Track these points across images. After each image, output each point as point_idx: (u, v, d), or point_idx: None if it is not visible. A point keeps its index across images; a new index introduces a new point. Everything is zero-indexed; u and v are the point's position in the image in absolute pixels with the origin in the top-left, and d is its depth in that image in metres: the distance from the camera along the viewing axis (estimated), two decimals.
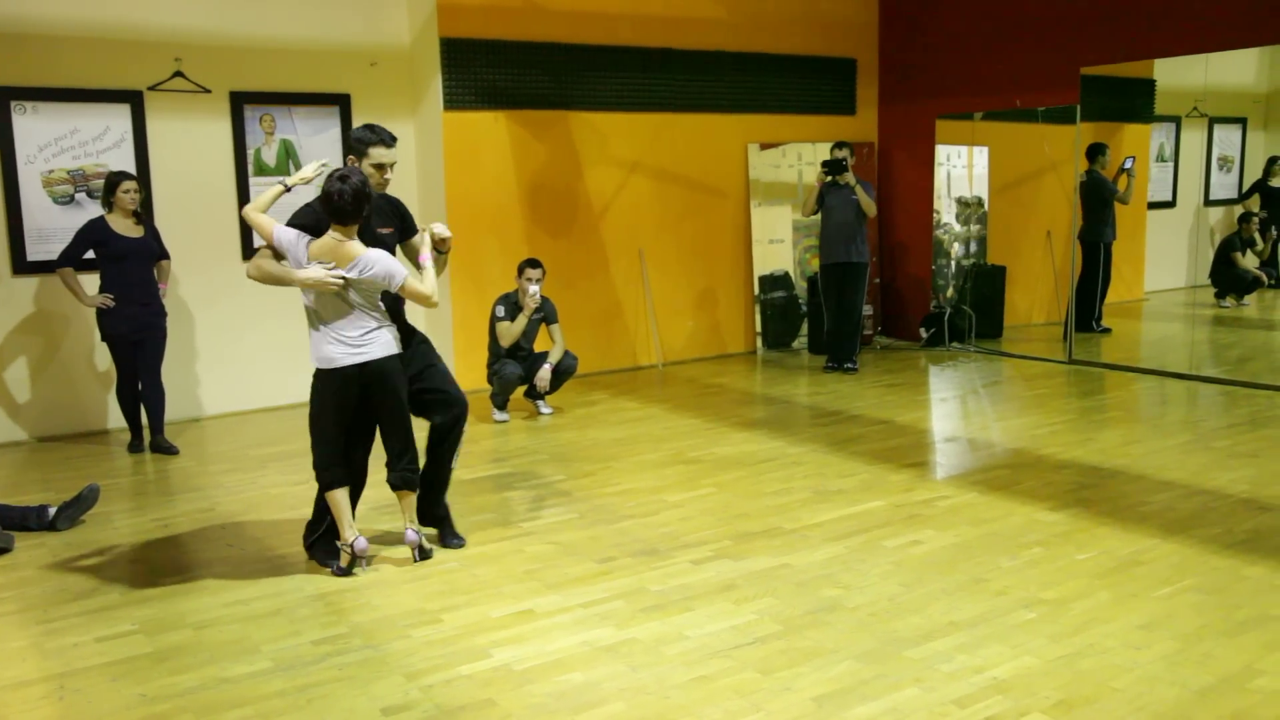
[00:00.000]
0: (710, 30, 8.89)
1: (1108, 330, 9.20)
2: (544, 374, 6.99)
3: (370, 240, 4.32)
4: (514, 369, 6.97)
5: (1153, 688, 3.25)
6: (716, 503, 5.20)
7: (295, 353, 7.71)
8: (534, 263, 6.95)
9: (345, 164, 4.42)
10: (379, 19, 7.79)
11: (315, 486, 5.36)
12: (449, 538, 4.71)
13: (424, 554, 4.51)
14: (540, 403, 7.26)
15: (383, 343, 4.30)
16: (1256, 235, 8.82)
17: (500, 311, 6.98)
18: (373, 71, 7.80)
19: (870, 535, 4.69)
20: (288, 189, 4.54)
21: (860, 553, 4.48)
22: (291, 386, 7.72)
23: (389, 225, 4.53)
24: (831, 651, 3.55)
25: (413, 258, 4.57)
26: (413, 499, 4.51)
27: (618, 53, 8.43)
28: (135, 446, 6.53)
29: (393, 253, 4.40)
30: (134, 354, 6.37)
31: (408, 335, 4.59)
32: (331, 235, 4.20)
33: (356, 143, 4.40)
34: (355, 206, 4.12)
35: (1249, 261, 8.88)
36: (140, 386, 6.45)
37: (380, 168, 4.39)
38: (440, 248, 4.54)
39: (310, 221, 4.32)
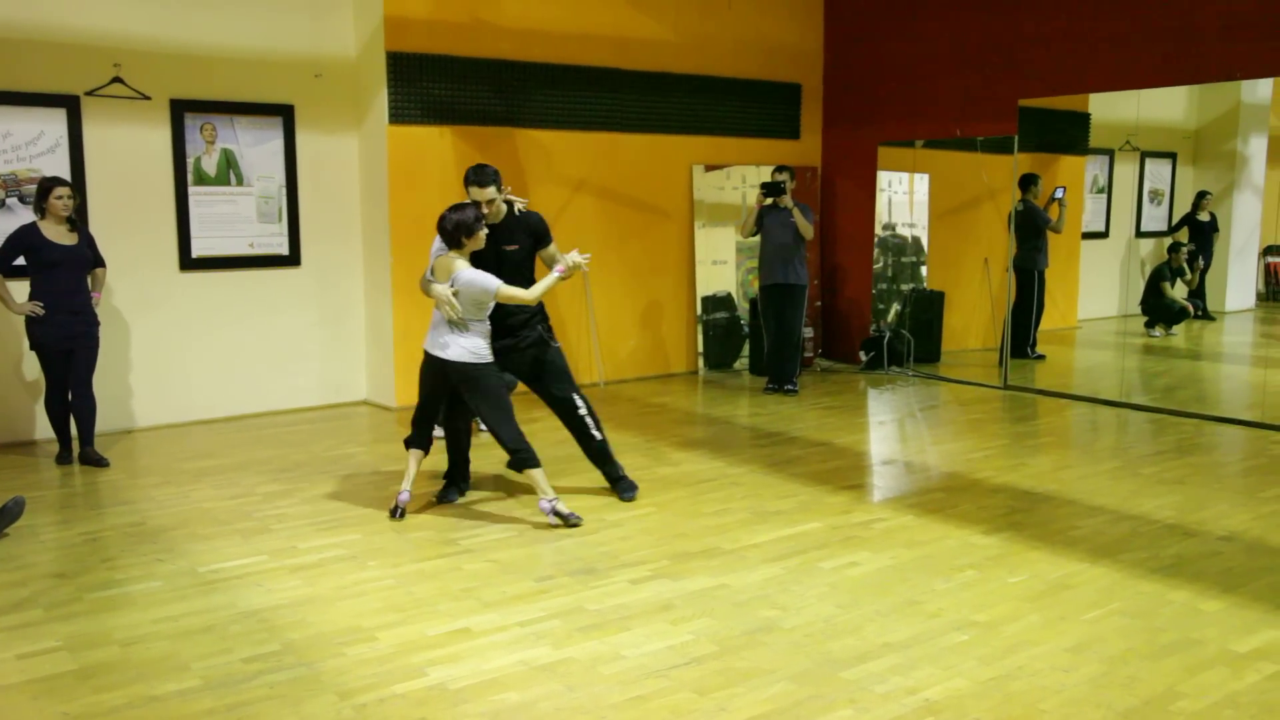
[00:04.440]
0: (658, 51, 8.95)
1: (1042, 357, 9.39)
2: None
3: (494, 257, 5.21)
4: None
5: (1079, 710, 3.31)
6: (655, 522, 5.21)
7: (232, 365, 7.61)
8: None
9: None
10: (325, 30, 7.74)
11: (251, 500, 5.32)
12: (621, 491, 5.58)
13: (561, 518, 5.11)
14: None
15: (458, 348, 5.02)
16: (1185, 265, 9.07)
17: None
18: (317, 83, 7.74)
19: (807, 556, 4.72)
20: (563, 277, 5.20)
21: (797, 574, 4.51)
22: (227, 399, 7.61)
23: (515, 242, 5.28)
24: (767, 672, 3.57)
25: (549, 264, 5.35)
26: (536, 475, 5.11)
27: (566, 71, 8.46)
28: (63, 458, 6.39)
29: (523, 266, 5.34)
30: (64, 363, 6.23)
31: (536, 339, 5.42)
32: (448, 254, 5.05)
33: (464, 180, 5.22)
34: (452, 235, 5.00)
35: (1177, 291, 9.12)
36: (70, 396, 6.31)
37: (478, 204, 5.11)
38: (564, 273, 5.12)
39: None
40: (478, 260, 5.14)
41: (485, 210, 5.11)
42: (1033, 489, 5.81)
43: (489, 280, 4.97)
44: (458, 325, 5.02)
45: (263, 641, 3.82)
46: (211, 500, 5.61)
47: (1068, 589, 4.33)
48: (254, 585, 4.38)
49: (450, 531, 5.09)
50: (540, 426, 7.36)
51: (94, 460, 6.31)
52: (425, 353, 5.16)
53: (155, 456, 6.59)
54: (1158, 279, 9.15)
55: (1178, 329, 9.33)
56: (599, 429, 5.57)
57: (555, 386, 5.49)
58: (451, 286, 4.99)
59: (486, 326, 5.11)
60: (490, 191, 5.13)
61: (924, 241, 9.94)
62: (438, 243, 5.15)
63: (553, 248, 5.43)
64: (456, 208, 5.01)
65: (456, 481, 5.61)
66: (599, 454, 5.61)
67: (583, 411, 5.52)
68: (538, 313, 5.45)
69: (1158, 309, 9.20)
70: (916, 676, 3.54)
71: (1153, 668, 3.61)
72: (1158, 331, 9.30)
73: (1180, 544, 4.89)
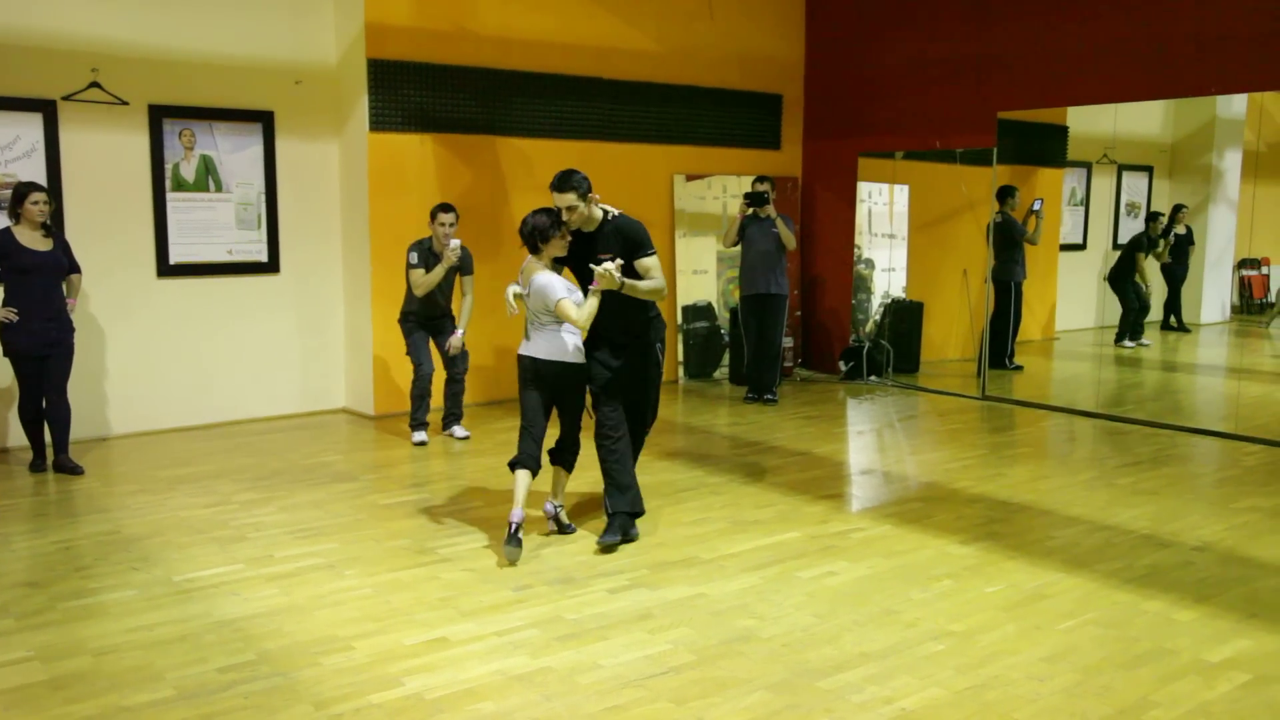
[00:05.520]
0: (640, 61, 8.98)
1: (1019, 368, 9.45)
2: (455, 340, 6.99)
3: (585, 267, 4.96)
4: (428, 366, 6.97)
5: (1054, 719, 3.33)
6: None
7: (209, 372, 7.57)
8: (447, 207, 6.89)
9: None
10: (305, 37, 7.72)
11: (228, 508, 5.29)
12: (602, 533, 5.04)
13: (560, 528, 5.13)
14: (456, 428, 7.22)
15: (547, 346, 4.96)
16: (1160, 237, 9.15)
17: (414, 259, 6.83)
18: (297, 90, 7.72)
19: (785, 566, 4.73)
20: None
21: (775, 583, 4.52)
22: (204, 407, 7.57)
23: (609, 251, 4.97)
24: (745, 681, 3.58)
25: (645, 277, 5.03)
26: (563, 477, 5.14)
27: (547, 80, 8.46)
28: (37, 466, 6.33)
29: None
30: (38, 370, 6.17)
31: (644, 346, 5.17)
32: (531, 259, 5.00)
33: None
34: (528, 239, 4.94)
35: (1149, 266, 9.15)
36: (44, 404, 6.25)
37: (562, 210, 4.92)
38: (596, 287, 4.82)
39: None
40: (577, 270, 5.06)
41: (566, 217, 4.91)
42: (1010, 499, 5.83)
43: (553, 290, 4.88)
44: (546, 325, 4.95)
45: (238, 651, 3.80)
46: (187, 508, 5.57)
47: (1044, 599, 4.36)
48: (230, 594, 4.35)
49: (428, 540, 5.07)
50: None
51: (68, 468, 6.26)
52: (518, 358, 5.08)
53: (131, 464, 6.55)
54: (1135, 248, 9.18)
55: (1150, 339, 9.41)
56: (631, 461, 5.20)
57: (649, 403, 5.27)
58: (526, 290, 4.96)
59: (574, 329, 5.00)
60: (569, 198, 4.87)
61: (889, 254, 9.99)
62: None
63: (649, 260, 5.04)
64: (537, 212, 4.96)
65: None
66: (626, 483, 5.13)
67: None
68: (652, 321, 5.19)
69: (1125, 292, 9.22)
70: (893, 686, 3.55)
71: (1127, 677, 3.63)
72: (1129, 343, 9.37)
73: (1154, 554, 4.93)
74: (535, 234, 4.91)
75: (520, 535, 4.74)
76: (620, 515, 5.05)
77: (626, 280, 4.82)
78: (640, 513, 5.18)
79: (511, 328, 8.38)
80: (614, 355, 5.11)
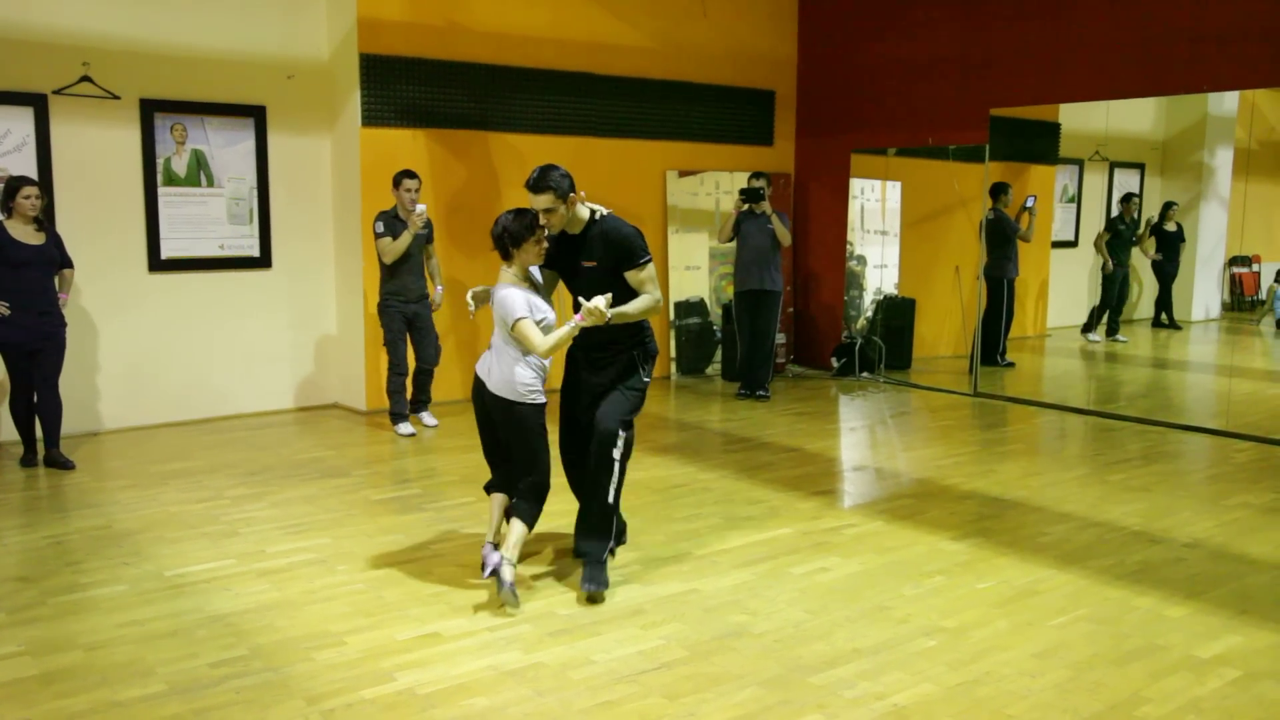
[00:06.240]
0: (633, 57, 8.97)
1: (1011, 364, 9.46)
2: (437, 298, 7.24)
3: (571, 274, 4.44)
4: (404, 368, 7.11)
5: (1046, 715, 3.34)
6: (626, 527, 5.20)
7: (201, 367, 7.55)
8: (411, 173, 6.99)
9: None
10: (297, 31, 7.70)
11: (219, 503, 5.27)
12: (582, 580, 4.34)
13: (501, 583, 4.13)
14: (425, 415, 7.38)
15: (500, 375, 4.29)
16: (1135, 218, 9.17)
17: (380, 228, 6.91)
18: (290, 84, 7.70)
19: (778, 562, 4.74)
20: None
21: (767, 579, 4.52)
22: (196, 401, 7.55)
23: (593, 258, 4.39)
24: (737, 677, 3.58)
25: (638, 290, 4.42)
26: (514, 525, 4.27)
27: (540, 75, 8.45)
28: (28, 460, 6.31)
29: (608, 287, 4.28)
30: (29, 364, 6.15)
31: (630, 363, 4.53)
32: (503, 265, 4.33)
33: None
34: (497, 241, 4.27)
35: (1135, 256, 9.20)
36: (35, 398, 6.23)
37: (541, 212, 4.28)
38: (583, 321, 4.16)
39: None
40: (564, 275, 4.48)
41: (544, 220, 4.26)
42: (1001, 495, 5.85)
43: (514, 306, 4.18)
44: (505, 346, 4.28)
45: (230, 646, 3.79)
46: (179, 503, 5.56)
47: (1035, 595, 4.37)
48: (221, 589, 4.35)
49: (420, 535, 5.06)
50: None
51: (59, 463, 6.24)
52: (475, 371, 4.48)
53: (122, 459, 6.53)
54: (1110, 228, 9.21)
55: (1125, 336, 9.43)
56: (617, 491, 4.44)
57: (602, 411, 4.44)
58: (490, 301, 4.35)
59: (537, 359, 4.30)
60: (546, 199, 4.22)
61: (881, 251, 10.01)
62: None
63: (643, 273, 4.40)
64: (512, 212, 4.27)
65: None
66: (598, 517, 4.46)
67: (617, 455, 4.43)
68: (640, 331, 4.57)
69: (1107, 285, 9.25)
70: (885, 682, 3.56)
71: (1118, 673, 3.64)
72: (1093, 335, 9.38)
73: (1145, 551, 4.94)
74: (505, 238, 4.23)
75: (504, 575, 4.12)
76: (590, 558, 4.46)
77: (615, 311, 4.20)
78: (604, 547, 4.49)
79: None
80: (593, 372, 4.53)
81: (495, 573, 4.24)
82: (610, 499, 4.41)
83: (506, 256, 4.28)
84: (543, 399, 4.34)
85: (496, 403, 4.30)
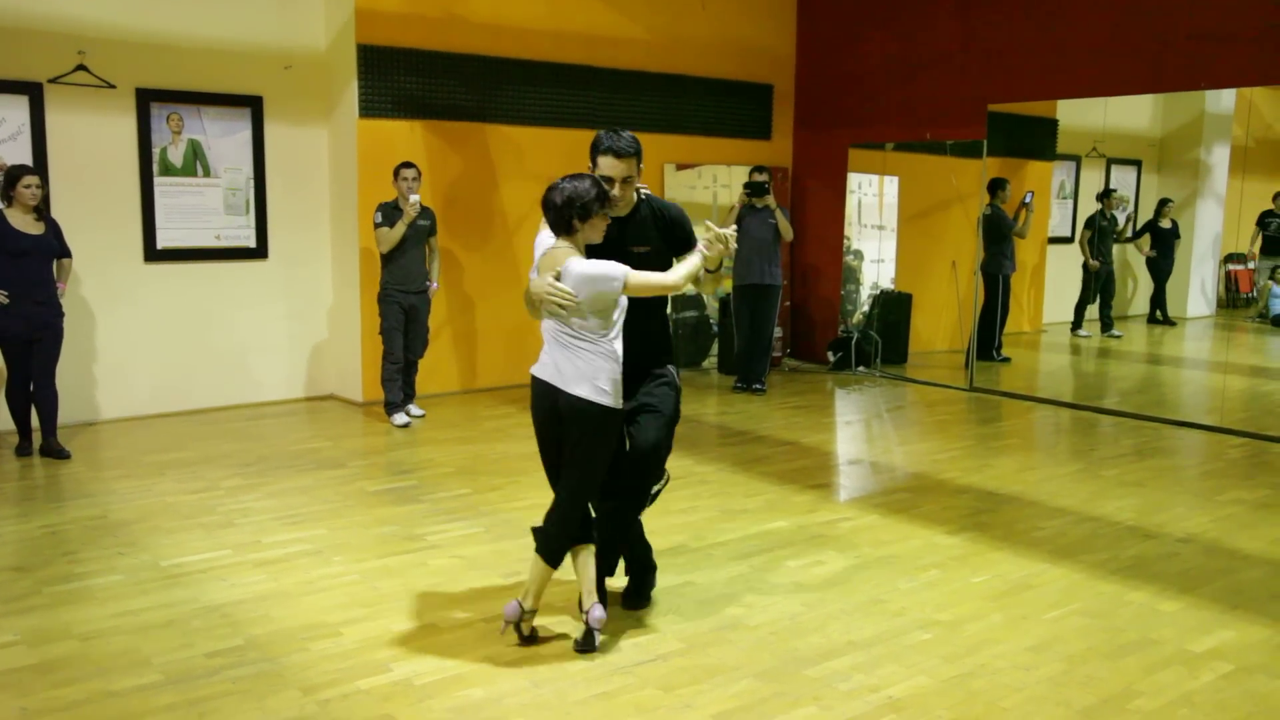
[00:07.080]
0: (631, 50, 8.95)
1: (1007, 359, 9.48)
2: (431, 291, 7.33)
3: (622, 259, 3.65)
4: (398, 356, 7.15)
5: (1039, 708, 3.35)
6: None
7: (197, 357, 7.54)
8: (409, 164, 7.09)
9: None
10: (294, 21, 7.68)
11: (215, 494, 5.23)
12: (582, 639, 3.73)
13: (522, 636, 3.73)
14: (411, 405, 7.41)
15: (575, 370, 3.59)
16: (1116, 214, 9.20)
17: (379, 218, 7.03)
18: (287, 75, 7.68)
19: (773, 555, 4.75)
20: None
21: (763, 572, 4.53)
22: (192, 392, 7.54)
23: (647, 242, 3.83)
24: (733, 669, 3.59)
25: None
26: (578, 565, 3.76)
27: (538, 67, 8.43)
28: (24, 450, 6.30)
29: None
30: (26, 354, 6.14)
31: (642, 369, 3.90)
32: (555, 245, 3.65)
33: (591, 146, 3.78)
34: (561, 212, 3.58)
35: (1129, 253, 9.24)
36: (32, 388, 6.23)
37: (609, 181, 3.70)
38: (708, 250, 3.71)
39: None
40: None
41: (617, 193, 3.72)
42: (996, 490, 5.86)
43: (611, 266, 3.56)
44: (577, 338, 3.60)
45: (225, 636, 3.79)
46: (175, 494, 5.56)
47: (1030, 589, 4.38)
48: (217, 580, 4.35)
49: (416, 526, 5.07)
50: (510, 423, 7.35)
51: (55, 452, 6.24)
52: (532, 375, 3.74)
53: (118, 449, 6.52)
54: (1087, 226, 9.24)
55: (1119, 331, 9.45)
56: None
57: (644, 434, 3.85)
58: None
59: (615, 349, 3.63)
60: (625, 166, 3.70)
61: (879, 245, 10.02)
62: (543, 233, 3.74)
63: (696, 256, 3.77)
64: (575, 177, 3.63)
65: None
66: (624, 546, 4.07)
67: (656, 489, 4.01)
68: (667, 349, 4.05)
69: (1087, 281, 9.27)
70: (880, 674, 3.57)
71: (1111, 667, 3.66)
72: (1085, 330, 9.40)
73: (1139, 545, 4.96)
74: (572, 207, 3.56)
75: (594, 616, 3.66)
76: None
77: (678, 275, 3.71)
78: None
79: (494, 313, 8.38)
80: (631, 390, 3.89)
81: (517, 627, 3.73)
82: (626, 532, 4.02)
83: (569, 230, 3.61)
84: (619, 402, 3.69)
85: (574, 406, 3.58)
